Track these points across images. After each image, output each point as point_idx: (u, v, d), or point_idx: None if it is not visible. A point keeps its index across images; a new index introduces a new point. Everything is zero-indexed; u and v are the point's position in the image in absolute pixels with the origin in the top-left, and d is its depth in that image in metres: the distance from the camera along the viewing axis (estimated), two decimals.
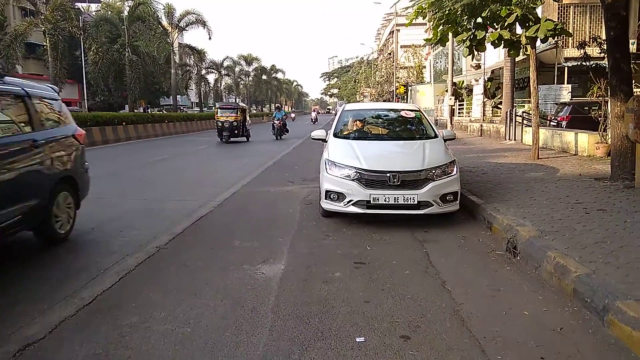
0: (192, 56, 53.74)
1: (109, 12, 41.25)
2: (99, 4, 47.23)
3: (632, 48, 19.05)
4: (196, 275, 4.68)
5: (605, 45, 9.10)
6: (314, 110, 58.65)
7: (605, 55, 8.96)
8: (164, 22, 40.99)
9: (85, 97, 41.17)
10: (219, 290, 4.27)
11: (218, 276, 4.64)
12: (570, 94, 21.10)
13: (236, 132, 22.82)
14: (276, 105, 29.19)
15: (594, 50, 16.62)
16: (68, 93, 39.26)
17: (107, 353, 3.19)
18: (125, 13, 38.45)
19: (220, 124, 22.71)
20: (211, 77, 67.63)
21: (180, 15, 41.50)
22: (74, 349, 3.25)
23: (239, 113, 23.07)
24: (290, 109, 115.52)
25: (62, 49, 29.66)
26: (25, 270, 4.94)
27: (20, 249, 5.64)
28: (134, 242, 5.77)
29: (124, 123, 25.03)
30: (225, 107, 23.93)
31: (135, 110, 38.25)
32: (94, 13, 43.47)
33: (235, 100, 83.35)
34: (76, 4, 38.35)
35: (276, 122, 25.70)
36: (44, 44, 30.91)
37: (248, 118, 24.88)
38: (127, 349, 3.24)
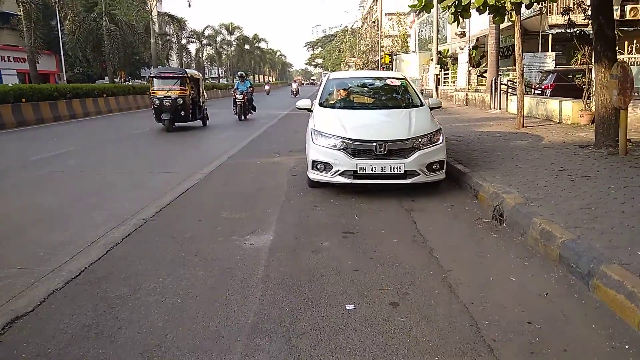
0: (171, 25, 52.46)
1: None
2: None
3: (616, 14, 19.07)
4: (185, 246, 4.66)
5: (589, 11, 9.06)
6: (295, 81, 53.50)
7: (590, 22, 8.94)
8: None
9: (64, 69, 40.14)
10: (208, 261, 4.26)
11: (207, 247, 4.63)
12: (554, 61, 21.13)
13: (182, 113, 15.35)
14: (238, 73, 21.14)
15: (578, 17, 16.62)
16: (45, 65, 38.30)
17: (98, 325, 3.18)
18: None
19: (157, 102, 14.99)
20: (192, 47, 66.19)
21: None
22: (63, 321, 3.23)
23: (187, 85, 15.48)
24: (274, 80, 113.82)
25: (37, 18, 28.68)
26: (11, 244, 4.88)
27: (2, 223, 5.55)
28: (120, 215, 5.71)
29: (104, 95, 24.51)
30: (165, 76, 15.83)
31: (115, 81, 37.46)
32: None
33: (218, 72, 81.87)
34: None
35: (238, 96, 18.77)
36: (18, 13, 29.87)
37: (204, 92, 17.65)
38: (117, 320, 3.23)
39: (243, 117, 19.19)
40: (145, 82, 40.37)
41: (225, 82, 66.39)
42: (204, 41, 68.86)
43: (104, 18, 35.06)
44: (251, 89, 19.90)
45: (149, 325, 3.17)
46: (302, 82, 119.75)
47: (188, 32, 58.59)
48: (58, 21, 35.60)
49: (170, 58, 59.34)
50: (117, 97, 25.91)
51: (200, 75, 18.18)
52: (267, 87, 51.45)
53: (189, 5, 52.23)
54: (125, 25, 36.47)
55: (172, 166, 9.25)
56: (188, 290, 3.68)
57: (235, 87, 19.63)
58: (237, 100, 18.95)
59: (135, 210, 5.90)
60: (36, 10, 28.37)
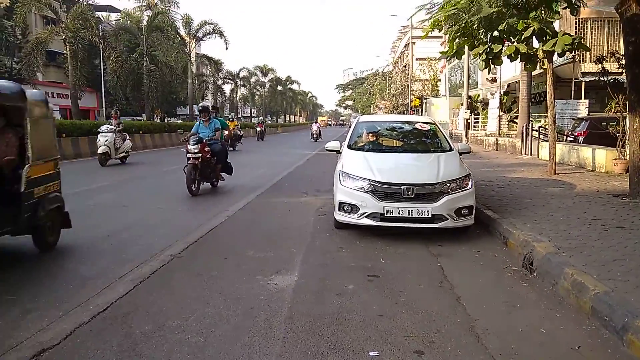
0: (208, 66, 54.33)
1: (128, 22, 41.82)
2: (119, 13, 48.02)
3: None
4: (209, 284, 4.69)
5: (623, 60, 9.01)
6: (316, 123, 42.89)
7: (624, 71, 8.87)
8: (182, 32, 41.55)
9: (104, 106, 41.70)
10: (232, 300, 4.27)
11: (231, 286, 4.64)
12: (587, 109, 20.88)
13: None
14: (199, 106, 11.51)
15: (611, 65, 16.47)
16: (87, 102, 39.87)
17: None
18: (144, 22, 39.01)
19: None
20: (227, 88, 68.28)
21: (198, 26, 42.05)
22: (87, 355, 3.27)
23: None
24: (305, 120, 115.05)
25: (82, 57, 30.16)
26: (40, 276, 4.99)
27: (34, 255, 5.69)
28: (149, 250, 5.80)
29: (140, 132, 25.29)
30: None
31: (152, 120, 38.68)
32: (113, 22, 44.16)
33: (250, 111, 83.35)
34: (96, 13, 39.08)
35: (192, 149, 9.76)
36: (65, 52, 31.47)
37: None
38: (140, 357, 3.25)
39: (195, 188, 9.97)
40: (180, 121, 41.62)
41: (282, 122, 67.66)
42: (239, 82, 70.88)
43: (145, 58, 36.55)
44: (226, 132, 12.54)
45: None
46: (329, 122, 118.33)
47: (224, 73, 60.52)
48: (101, 60, 37.27)
49: (206, 97, 61.19)
50: (152, 135, 26.69)
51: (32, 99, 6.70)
52: (258, 129, 38.66)
53: (226, 48, 54.14)
54: (165, 65, 37.89)
55: (201, 203, 9.38)
56: (211, 329, 3.69)
57: (193, 130, 10.61)
58: (189, 156, 9.84)
59: (163, 246, 5.98)
60: (82, 50, 29.84)
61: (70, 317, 3.87)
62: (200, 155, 9.79)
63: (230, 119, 19.29)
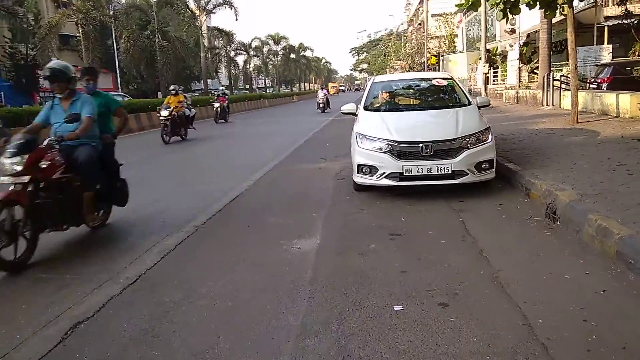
0: (220, 39, 53.96)
1: None
2: None
3: None
4: (234, 252, 4.77)
5: None
6: (323, 89, 32.71)
7: None
8: (192, 5, 41.29)
9: (119, 86, 42.00)
10: (257, 266, 4.35)
11: (256, 252, 4.73)
12: (611, 54, 20.21)
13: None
14: (48, 70, 5.21)
15: (636, 7, 15.83)
16: (102, 83, 39.63)
17: (154, 328, 3.31)
18: None
19: None
20: (240, 59, 67.78)
21: None
22: (122, 325, 3.38)
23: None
24: (319, 87, 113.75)
25: (95, 38, 30.30)
26: (72, 252, 5.15)
27: (65, 233, 5.86)
28: (173, 223, 5.91)
29: (157, 109, 25.41)
30: None
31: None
32: (123, 1, 44.03)
33: (265, 82, 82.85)
34: None
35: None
36: (77, 35, 31.58)
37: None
38: (172, 324, 3.36)
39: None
40: (196, 95, 41.67)
41: (272, 92, 67.27)
42: (252, 52, 70.29)
43: (156, 35, 36.48)
44: (117, 120, 6.33)
45: (203, 328, 3.28)
46: (341, 88, 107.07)
47: (236, 44, 60.03)
48: (114, 40, 37.33)
49: (219, 71, 61.03)
50: None
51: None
52: (216, 105, 24.68)
53: (236, 19, 53.81)
54: (177, 40, 37.83)
55: (222, 174, 9.47)
56: (238, 294, 3.78)
57: (37, 120, 5.42)
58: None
59: (187, 218, 6.08)
60: (94, 31, 29.92)
61: (102, 290, 3.99)
62: (24, 184, 4.64)
63: (174, 92, 16.23)
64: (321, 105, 29.36)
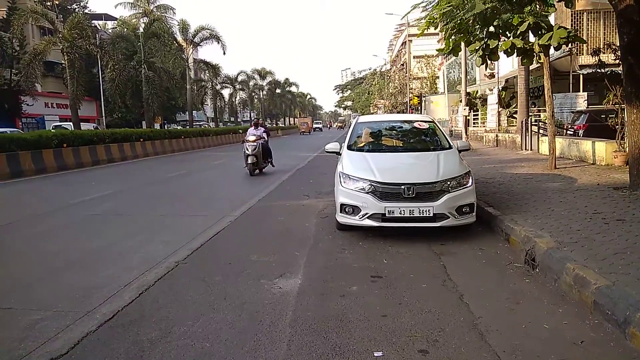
0: (206, 71, 54.36)
1: (125, 29, 41.96)
2: (115, 22, 48.17)
3: None
4: (214, 290, 4.72)
5: (619, 52, 9.03)
6: (256, 125, 16.06)
7: (620, 62, 8.89)
8: (179, 38, 41.68)
9: (104, 114, 41.84)
10: (237, 305, 4.30)
11: (236, 291, 4.68)
12: (586, 101, 20.87)
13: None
14: None
15: (609, 57, 16.49)
16: (86, 110, 39.98)
17: None
18: (141, 30, 39.17)
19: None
20: (226, 92, 68.33)
21: (195, 31, 42.17)
22: None
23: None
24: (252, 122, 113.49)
25: (80, 66, 30.21)
26: (48, 287, 5.03)
27: (40, 265, 5.74)
28: (153, 257, 5.84)
29: (141, 139, 25.36)
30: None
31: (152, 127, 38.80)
32: (110, 30, 44.39)
33: (250, 115, 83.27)
34: (93, 21, 39.19)
35: None
36: (62, 62, 31.52)
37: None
38: None
39: None
40: (180, 127, 41.70)
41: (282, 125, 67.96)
42: (237, 86, 70.94)
43: (143, 66, 36.64)
44: None
45: None
46: (319, 125, 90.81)
47: (222, 77, 60.60)
48: (99, 69, 37.34)
49: (205, 103, 61.29)
50: (153, 142, 26.74)
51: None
52: None
53: (224, 53, 54.38)
54: (163, 72, 38.01)
55: (204, 209, 9.42)
56: (217, 334, 3.72)
57: None
58: None
59: (167, 253, 6.01)
60: (79, 59, 29.90)
61: (78, 326, 3.91)
62: None
63: None
64: (249, 158, 14.54)
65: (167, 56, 38.92)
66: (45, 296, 4.71)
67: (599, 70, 16.65)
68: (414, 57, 55.91)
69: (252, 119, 19.14)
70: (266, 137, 15.55)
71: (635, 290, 3.74)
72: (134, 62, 37.12)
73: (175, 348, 3.50)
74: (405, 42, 58.73)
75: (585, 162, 13.18)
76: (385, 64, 77.56)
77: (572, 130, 17.76)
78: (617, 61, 11.17)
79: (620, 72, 11.02)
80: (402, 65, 62.53)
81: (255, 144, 14.76)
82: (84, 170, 18.50)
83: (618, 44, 9.79)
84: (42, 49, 28.91)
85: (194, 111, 49.80)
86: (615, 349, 3.30)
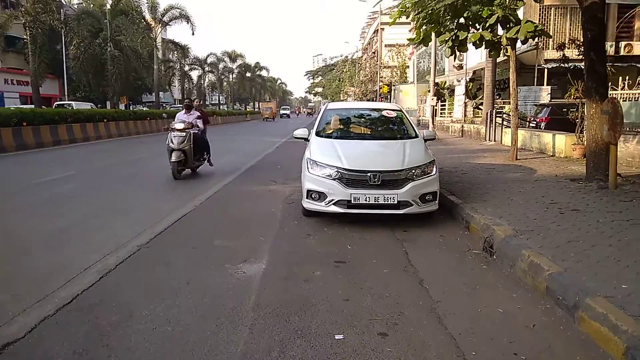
0: (175, 52, 53.37)
1: (91, 5, 40.59)
2: None
3: (609, 50, 19.47)
4: (177, 274, 4.70)
5: (583, 47, 9.29)
6: (187, 109, 11.46)
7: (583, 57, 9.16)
8: (148, 16, 40.57)
9: (66, 93, 40.51)
10: (200, 290, 4.30)
11: (199, 275, 4.67)
12: (549, 95, 21.44)
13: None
14: None
15: (573, 52, 16.95)
16: (48, 88, 38.68)
17: (87, 352, 3.21)
18: (108, 6, 37.92)
19: None
20: (194, 74, 67.27)
21: (164, 10, 41.09)
22: (53, 348, 3.26)
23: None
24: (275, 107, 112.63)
25: (43, 42, 29.23)
26: (6, 269, 4.91)
27: (2, 249, 5.60)
28: (115, 241, 5.76)
29: (105, 120, 24.74)
30: None
31: (120, 106, 37.87)
32: (75, 6, 42.74)
33: (219, 99, 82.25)
34: None
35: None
36: (24, 37, 30.38)
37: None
38: (107, 348, 3.26)
39: None
40: (146, 108, 40.78)
41: (226, 109, 66.81)
42: (207, 68, 69.85)
43: (109, 44, 35.60)
44: None
45: (139, 354, 3.20)
46: (286, 112, 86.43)
47: (191, 59, 59.55)
48: (63, 46, 36.12)
49: (173, 84, 60.15)
50: (117, 123, 26.11)
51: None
52: None
53: (193, 34, 53.31)
54: (130, 51, 37.00)
55: (169, 192, 9.32)
56: (179, 318, 3.71)
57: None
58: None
59: (130, 236, 5.94)
60: (42, 35, 28.85)
61: (35, 309, 3.84)
62: None
63: None
64: (173, 154, 10.64)
65: (135, 35, 37.82)
66: (2, 279, 4.60)
67: (563, 65, 17.14)
68: (385, 45, 56.03)
69: (185, 100, 14.97)
70: (201, 126, 11.45)
71: (586, 276, 3.92)
72: (100, 40, 35.99)
73: (136, 332, 3.49)
74: (378, 30, 58.85)
75: (545, 154, 13.58)
76: (357, 51, 77.61)
77: (535, 122, 18.23)
78: (581, 57, 11.47)
79: (582, 67, 11.37)
80: (374, 53, 62.66)
81: (184, 133, 10.64)
82: (44, 150, 17.96)
83: (582, 40, 10.07)
84: (2, 22, 27.80)
85: (160, 92, 48.78)
86: (564, 332, 3.46)
